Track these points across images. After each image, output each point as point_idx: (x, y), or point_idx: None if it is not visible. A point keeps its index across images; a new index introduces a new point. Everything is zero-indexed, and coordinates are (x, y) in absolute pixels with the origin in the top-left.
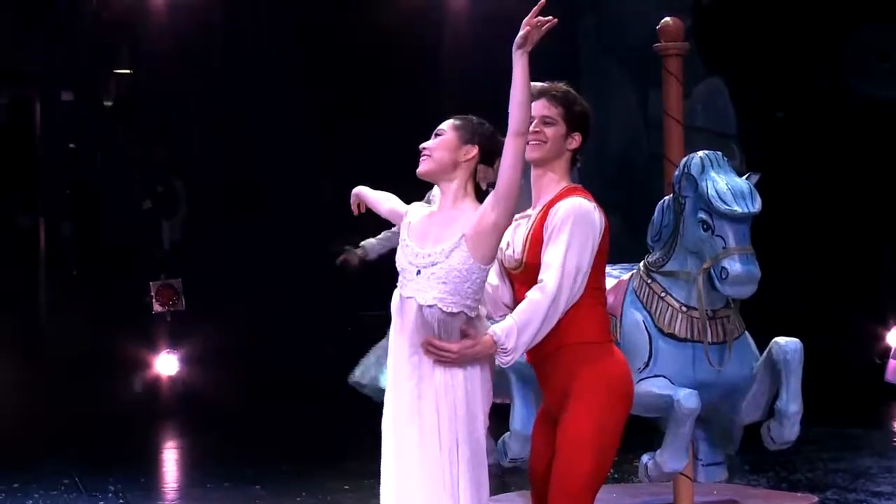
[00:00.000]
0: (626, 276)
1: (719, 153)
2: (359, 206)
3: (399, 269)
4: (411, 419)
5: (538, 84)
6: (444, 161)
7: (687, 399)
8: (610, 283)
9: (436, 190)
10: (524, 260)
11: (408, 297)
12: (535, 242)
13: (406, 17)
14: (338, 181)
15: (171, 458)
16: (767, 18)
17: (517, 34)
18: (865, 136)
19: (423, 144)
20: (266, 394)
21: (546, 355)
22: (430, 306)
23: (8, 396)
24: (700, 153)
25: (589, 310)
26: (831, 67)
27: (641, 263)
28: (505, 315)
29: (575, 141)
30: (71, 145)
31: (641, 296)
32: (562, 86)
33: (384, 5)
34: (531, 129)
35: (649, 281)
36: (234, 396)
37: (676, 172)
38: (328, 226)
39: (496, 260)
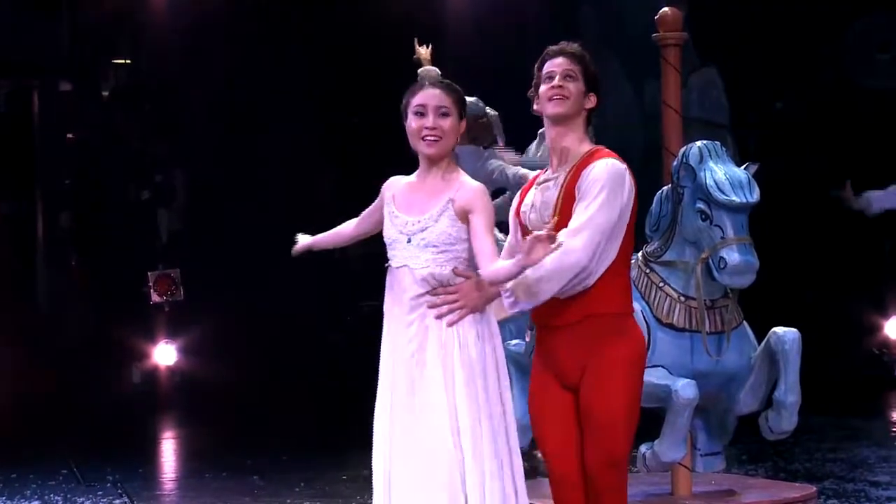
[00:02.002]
0: None
1: (717, 143)
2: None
3: (389, 241)
4: (412, 388)
5: (554, 46)
6: (452, 145)
7: (685, 389)
8: None
9: None
10: (556, 223)
11: (399, 267)
12: (568, 203)
13: (407, 7)
14: (337, 171)
15: (169, 449)
16: (763, 9)
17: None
18: (866, 127)
19: (432, 124)
20: (264, 384)
21: (571, 324)
22: (423, 269)
23: (6, 386)
24: (698, 143)
25: (616, 278)
26: (831, 58)
27: (640, 253)
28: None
29: (591, 101)
30: (69, 135)
31: (640, 285)
32: (576, 45)
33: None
34: (555, 83)
35: (647, 271)
36: (233, 386)
37: (675, 162)
38: (327, 215)
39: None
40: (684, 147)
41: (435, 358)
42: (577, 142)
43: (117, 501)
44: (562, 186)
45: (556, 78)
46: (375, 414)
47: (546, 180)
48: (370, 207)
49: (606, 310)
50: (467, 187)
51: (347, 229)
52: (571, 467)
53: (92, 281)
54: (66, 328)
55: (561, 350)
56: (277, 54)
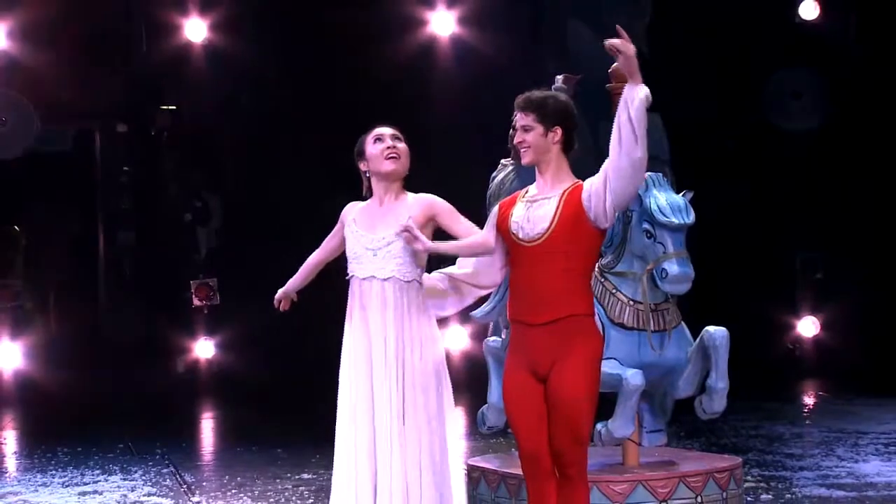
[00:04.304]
0: None
1: (660, 174)
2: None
3: (352, 256)
4: (391, 381)
5: (518, 97)
6: (407, 167)
7: (633, 377)
8: None
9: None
10: (549, 234)
11: (366, 278)
12: (567, 218)
13: (401, 71)
14: (343, 196)
15: (208, 427)
16: (698, 63)
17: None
18: (782, 162)
19: (392, 144)
20: (287, 373)
21: (548, 322)
22: (387, 279)
23: (73, 376)
24: (645, 175)
25: (586, 284)
26: (754, 104)
27: (595, 265)
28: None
29: (556, 135)
30: (125, 168)
31: (596, 292)
32: (535, 92)
33: (384, 60)
34: (517, 137)
35: (602, 280)
36: (261, 375)
37: None
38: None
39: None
40: None
41: (410, 352)
42: (559, 171)
43: (165, 470)
44: (558, 206)
45: (518, 131)
46: (342, 403)
47: (535, 199)
48: (331, 234)
49: (577, 311)
50: (420, 201)
51: (313, 260)
52: (540, 445)
53: (143, 288)
54: (123, 328)
55: (536, 345)
56: (296, 102)
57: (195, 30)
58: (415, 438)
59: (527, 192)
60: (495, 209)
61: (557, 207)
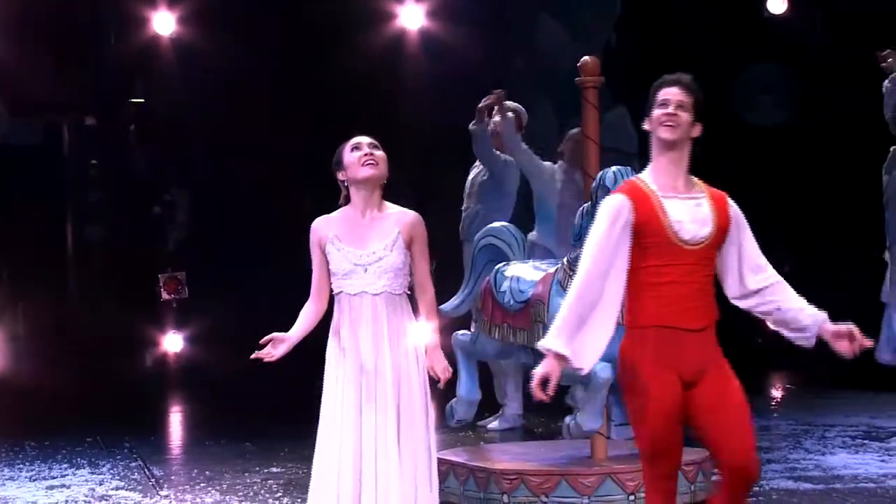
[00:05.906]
0: (552, 270)
1: (629, 168)
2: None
3: (342, 272)
4: (383, 395)
5: (671, 75)
6: (385, 174)
7: (602, 371)
8: (538, 275)
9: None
10: (712, 238)
11: (356, 294)
12: (722, 223)
13: (371, 65)
14: (315, 191)
15: (176, 421)
16: (665, 57)
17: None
18: (751, 156)
19: (370, 150)
20: (255, 368)
21: (701, 329)
22: (379, 293)
23: (41, 369)
24: (613, 168)
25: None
26: (722, 98)
27: (565, 259)
28: None
29: (696, 130)
30: (93, 162)
31: (565, 285)
32: (689, 77)
33: (353, 54)
34: (667, 112)
35: (571, 273)
36: (230, 369)
37: (594, 184)
38: (306, 229)
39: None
40: (601, 171)
41: (395, 367)
42: (686, 169)
43: (133, 464)
44: (713, 209)
45: (670, 106)
46: (328, 419)
47: (684, 196)
48: (315, 268)
49: (715, 318)
50: (409, 219)
51: (313, 308)
52: (678, 455)
53: (112, 281)
54: (91, 321)
55: (690, 351)
56: (265, 95)
57: (163, 23)
58: (409, 448)
59: (652, 184)
60: (628, 203)
61: (712, 210)
